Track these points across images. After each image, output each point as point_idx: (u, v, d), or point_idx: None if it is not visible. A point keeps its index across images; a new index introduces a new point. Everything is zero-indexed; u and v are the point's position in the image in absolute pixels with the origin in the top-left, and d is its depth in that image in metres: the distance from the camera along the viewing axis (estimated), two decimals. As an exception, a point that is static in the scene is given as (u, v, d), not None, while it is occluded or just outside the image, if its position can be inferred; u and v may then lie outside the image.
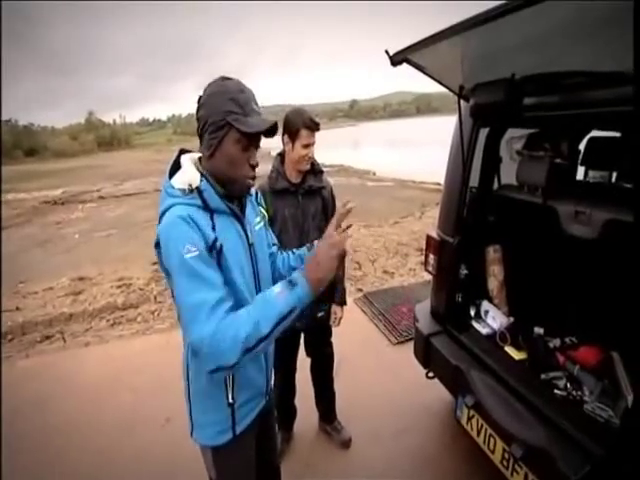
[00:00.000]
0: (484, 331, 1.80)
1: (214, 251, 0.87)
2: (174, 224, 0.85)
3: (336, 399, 2.11)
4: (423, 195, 9.16)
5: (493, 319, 1.81)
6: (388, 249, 5.14)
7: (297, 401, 2.06)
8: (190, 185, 0.90)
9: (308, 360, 2.02)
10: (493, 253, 1.91)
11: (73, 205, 11.35)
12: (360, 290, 3.94)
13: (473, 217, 1.85)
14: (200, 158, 0.98)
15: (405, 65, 1.38)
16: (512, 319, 1.76)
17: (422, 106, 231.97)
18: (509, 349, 1.66)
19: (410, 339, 2.86)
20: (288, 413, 2.07)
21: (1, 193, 12.06)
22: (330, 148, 25.36)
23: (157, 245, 0.88)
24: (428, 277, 2.07)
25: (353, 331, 3.06)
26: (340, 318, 1.85)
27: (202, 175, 0.92)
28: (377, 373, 2.61)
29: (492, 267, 1.91)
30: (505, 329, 1.70)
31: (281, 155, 1.70)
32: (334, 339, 1.98)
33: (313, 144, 1.60)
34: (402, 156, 20.49)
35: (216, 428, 1.04)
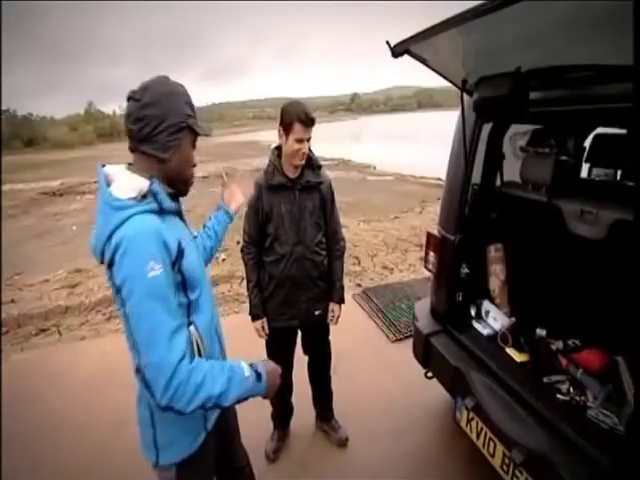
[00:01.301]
0: (485, 332, 1.76)
1: (178, 261, 0.86)
2: (137, 238, 0.79)
3: (334, 397, 2.09)
4: (423, 190, 9.12)
5: (494, 319, 1.77)
6: (388, 244, 5.11)
7: (294, 399, 2.04)
8: (141, 190, 0.87)
9: (305, 357, 1.99)
10: (495, 252, 1.87)
11: (71, 196, 11.28)
12: (359, 285, 3.92)
13: (475, 215, 1.81)
14: (130, 165, 0.93)
15: (407, 58, 1.32)
16: (514, 320, 1.72)
17: (423, 100, 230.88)
18: (510, 351, 1.62)
19: (409, 337, 2.85)
20: (284, 411, 2.05)
21: (1, 186, 11.91)
22: (330, 142, 25.28)
23: (110, 265, 0.80)
24: (428, 273, 2.03)
25: (351, 328, 3.03)
26: (338, 317, 1.83)
27: (151, 178, 0.89)
28: (375, 371, 2.59)
29: (494, 266, 1.87)
30: (506, 330, 1.66)
31: (278, 149, 1.66)
32: (332, 336, 1.96)
33: (307, 140, 1.55)
34: (402, 150, 20.27)
35: (189, 437, 0.98)
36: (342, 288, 1.82)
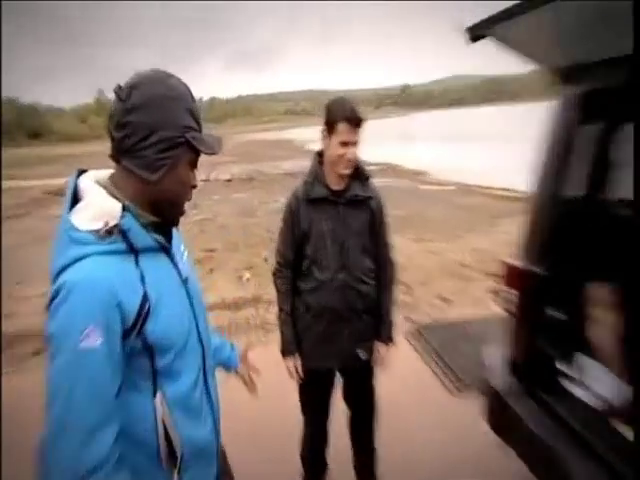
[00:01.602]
0: (586, 398, 1.64)
1: (138, 325, 0.81)
2: (80, 290, 0.74)
3: (377, 458, 2.05)
4: (492, 203, 8.88)
5: (599, 383, 1.66)
6: (445, 270, 5.06)
7: (328, 454, 2.02)
8: (107, 223, 0.81)
9: (345, 405, 1.98)
10: (600, 292, 1.76)
11: (77, 197, 12.13)
12: (410, 320, 3.90)
13: (572, 241, 1.72)
14: (112, 177, 0.88)
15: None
16: (631, 387, 1.59)
17: (489, 92, 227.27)
18: (626, 430, 1.49)
19: (474, 389, 2.74)
20: (316, 468, 2.03)
21: (1, 185, 12.97)
22: (375, 143, 25.34)
23: (49, 306, 0.77)
24: (499, 310, 1.96)
25: (402, 374, 2.96)
26: (386, 359, 1.82)
27: (124, 206, 0.83)
28: (431, 430, 2.52)
29: (599, 311, 1.76)
30: (619, 400, 1.54)
31: (320, 155, 1.68)
32: (378, 384, 1.94)
33: (355, 144, 1.57)
34: (464, 154, 20.00)
35: None
36: (391, 324, 1.82)
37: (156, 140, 0.82)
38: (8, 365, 3.43)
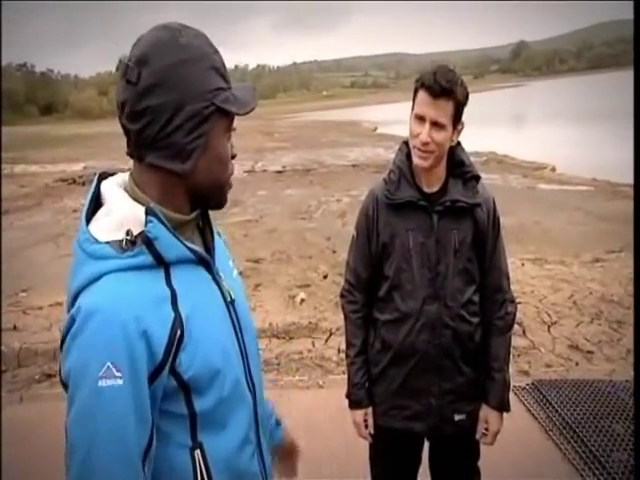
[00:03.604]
0: None
1: (169, 359, 0.84)
2: (96, 318, 0.79)
3: None
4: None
5: None
6: (580, 307, 4.85)
7: None
8: (129, 232, 0.85)
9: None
10: None
11: (96, 187, 13.05)
12: (525, 373, 3.76)
13: None
14: (132, 176, 0.94)
15: None
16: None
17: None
18: None
19: None
20: None
21: (1, 176, 14.18)
22: (475, 124, 24.59)
23: (63, 340, 0.83)
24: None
25: (514, 447, 2.81)
26: (496, 433, 1.77)
27: (148, 210, 0.87)
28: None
29: None
30: None
31: (408, 145, 1.70)
32: (481, 460, 1.90)
33: (434, 123, 1.53)
34: (607, 140, 18.93)
35: None
36: (507, 385, 1.78)
37: (184, 119, 0.86)
38: (13, 390, 3.72)
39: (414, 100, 1.58)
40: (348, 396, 1.80)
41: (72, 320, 0.81)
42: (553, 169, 13.62)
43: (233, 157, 0.99)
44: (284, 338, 4.39)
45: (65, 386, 0.82)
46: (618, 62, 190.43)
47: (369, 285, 1.76)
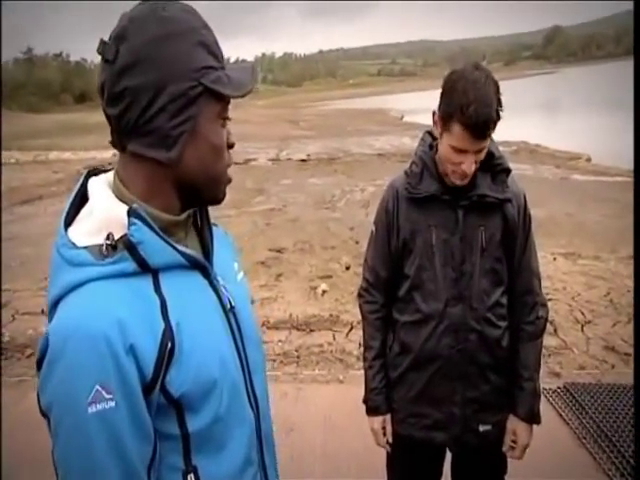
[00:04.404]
0: None
1: (159, 375, 0.76)
2: (77, 337, 0.71)
3: None
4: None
5: None
6: (617, 306, 4.70)
7: None
8: (110, 236, 0.78)
9: None
10: None
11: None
12: (556, 375, 3.67)
13: None
14: (117, 172, 0.87)
15: None
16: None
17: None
18: None
19: None
20: None
21: (1, 168, 14.44)
22: (506, 113, 24.38)
23: (39, 364, 0.76)
24: None
25: (543, 455, 2.66)
26: (525, 447, 1.70)
27: (131, 209, 0.79)
28: None
29: None
30: None
31: (432, 135, 1.66)
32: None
33: (477, 152, 1.47)
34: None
35: None
36: (537, 395, 1.71)
37: (167, 100, 0.78)
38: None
39: (448, 125, 1.45)
40: (365, 402, 1.75)
41: (47, 341, 0.73)
42: (588, 159, 13.47)
43: (230, 146, 0.90)
44: (304, 330, 4.36)
45: (46, 417, 0.75)
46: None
47: (388, 284, 1.71)
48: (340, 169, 13.32)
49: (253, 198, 10.01)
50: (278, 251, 6.54)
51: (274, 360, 3.86)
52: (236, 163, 15.14)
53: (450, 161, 1.50)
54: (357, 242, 6.62)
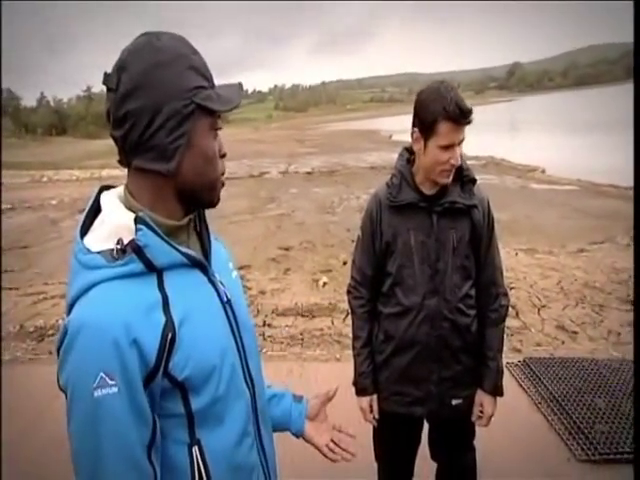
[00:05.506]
0: None
1: (161, 364, 0.74)
2: (87, 330, 0.70)
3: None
4: (628, 208, 7.90)
5: None
6: (567, 292, 4.66)
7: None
8: (120, 241, 0.76)
9: (432, 464, 1.88)
10: None
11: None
12: (517, 350, 3.60)
13: None
14: (126, 186, 0.84)
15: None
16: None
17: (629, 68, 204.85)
18: None
19: (614, 461, 2.41)
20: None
21: (1, 177, 14.34)
22: (475, 132, 24.16)
23: (59, 350, 0.75)
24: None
25: (507, 419, 2.60)
26: (490, 417, 1.67)
27: (137, 217, 0.77)
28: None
29: None
30: None
31: (409, 151, 1.60)
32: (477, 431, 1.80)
33: (459, 143, 1.43)
34: (592, 145, 18.57)
35: None
36: (500, 372, 1.66)
37: (164, 119, 0.76)
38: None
39: (433, 129, 1.39)
40: (355, 384, 1.71)
41: (64, 333, 0.73)
42: (543, 171, 13.38)
43: (223, 156, 0.87)
44: (307, 316, 4.30)
45: (64, 392, 0.75)
46: (599, 80, 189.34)
47: (374, 281, 1.65)
48: (339, 180, 13.25)
49: (266, 205, 9.95)
50: (286, 249, 6.50)
51: (282, 342, 3.80)
52: (252, 176, 15.21)
53: (439, 162, 1.44)
54: (353, 241, 6.36)
